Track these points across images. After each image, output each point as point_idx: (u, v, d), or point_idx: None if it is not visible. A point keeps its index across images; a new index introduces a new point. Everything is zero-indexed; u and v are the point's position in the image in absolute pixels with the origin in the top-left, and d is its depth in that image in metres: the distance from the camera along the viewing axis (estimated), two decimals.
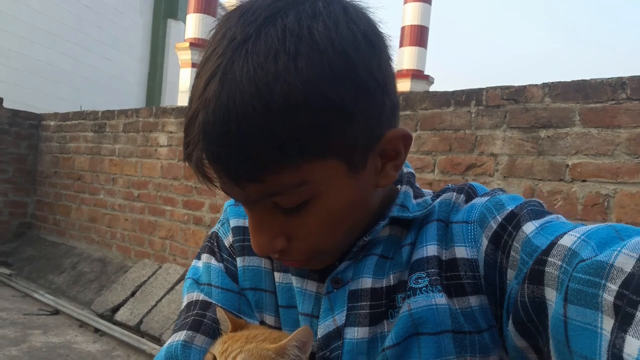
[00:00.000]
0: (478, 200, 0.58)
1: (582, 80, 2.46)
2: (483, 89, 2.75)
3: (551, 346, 0.42)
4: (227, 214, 0.69)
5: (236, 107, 0.43)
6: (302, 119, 0.44)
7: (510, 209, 0.53)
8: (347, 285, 0.58)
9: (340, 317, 0.57)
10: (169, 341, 0.60)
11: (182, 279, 3.81)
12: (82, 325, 3.73)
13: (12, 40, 7.36)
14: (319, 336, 0.57)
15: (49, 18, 7.94)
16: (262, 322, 0.63)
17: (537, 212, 0.51)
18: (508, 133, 2.66)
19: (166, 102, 9.79)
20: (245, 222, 0.66)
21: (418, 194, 0.63)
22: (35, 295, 4.30)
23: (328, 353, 0.57)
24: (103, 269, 4.57)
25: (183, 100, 7.01)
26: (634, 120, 2.29)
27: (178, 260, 4.09)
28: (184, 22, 8.67)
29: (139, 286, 3.93)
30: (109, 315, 3.75)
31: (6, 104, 5.50)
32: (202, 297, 0.63)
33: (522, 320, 0.46)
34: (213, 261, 0.65)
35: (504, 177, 2.66)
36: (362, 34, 0.48)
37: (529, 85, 2.61)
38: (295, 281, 0.61)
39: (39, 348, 3.23)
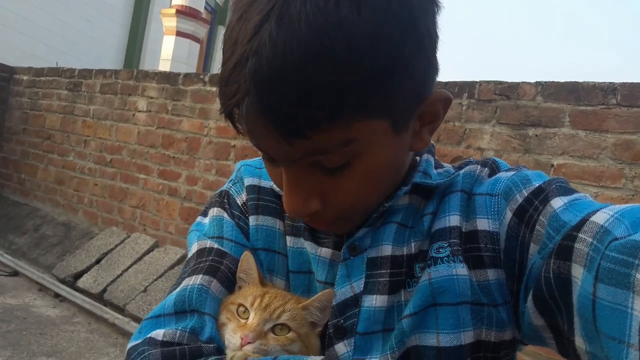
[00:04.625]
0: (503, 174, 0.57)
1: (575, 81, 2.46)
2: (476, 82, 2.74)
3: (577, 324, 0.41)
4: (240, 173, 0.66)
5: (293, 54, 0.40)
6: (363, 70, 0.41)
7: (537, 184, 0.52)
8: (366, 253, 0.56)
9: (358, 285, 0.55)
10: (180, 286, 0.55)
11: (151, 250, 3.71)
12: (42, 289, 3.60)
13: None
14: (334, 303, 0.55)
15: None
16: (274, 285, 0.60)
17: (565, 189, 0.50)
18: (497, 128, 2.65)
19: (145, 69, 9.52)
20: (260, 182, 0.64)
21: (438, 165, 0.62)
22: None
23: (342, 321, 0.54)
24: (67, 233, 4.42)
25: (164, 67, 6.81)
26: (622, 126, 2.32)
27: (148, 230, 3.98)
28: None
29: (105, 254, 3.81)
30: (71, 281, 3.62)
31: None
32: (216, 245, 0.59)
33: (544, 296, 0.45)
34: (225, 215, 0.62)
35: None
36: None
37: (522, 82, 2.61)
38: (309, 247, 0.59)
39: None
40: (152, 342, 0.48)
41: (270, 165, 0.53)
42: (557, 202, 0.48)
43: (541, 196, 0.50)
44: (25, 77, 5.28)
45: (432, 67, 0.49)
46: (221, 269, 0.56)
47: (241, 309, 0.51)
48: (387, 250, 0.55)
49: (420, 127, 0.53)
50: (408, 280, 0.54)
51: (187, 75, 3.97)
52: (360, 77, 0.41)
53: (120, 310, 3.24)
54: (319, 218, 0.52)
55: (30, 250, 4.28)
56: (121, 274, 3.53)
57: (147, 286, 3.33)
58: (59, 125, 4.87)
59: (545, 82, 2.54)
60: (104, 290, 3.43)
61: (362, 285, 0.55)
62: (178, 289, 0.54)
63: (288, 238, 0.61)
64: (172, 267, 3.47)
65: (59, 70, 4.96)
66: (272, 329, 0.49)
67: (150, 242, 3.79)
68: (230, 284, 0.57)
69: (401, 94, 0.45)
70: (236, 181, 0.66)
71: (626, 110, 2.30)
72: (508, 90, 2.63)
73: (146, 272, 3.48)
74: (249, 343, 0.47)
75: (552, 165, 2.47)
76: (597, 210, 0.43)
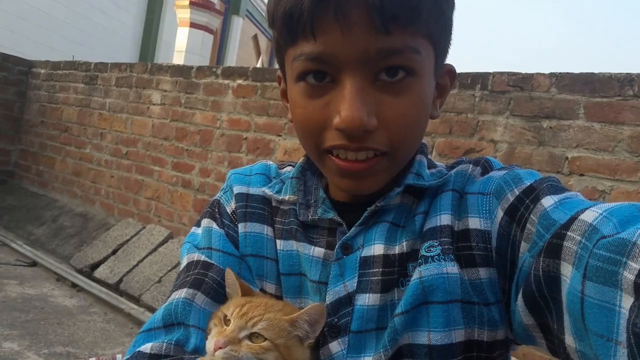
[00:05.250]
0: (495, 173, 0.57)
1: (590, 73, 2.42)
2: (490, 73, 2.70)
3: (567, 323, 0.41)
4: (230, 182, 0.68)
5: None
6: None
7: (529, 183, 0.52)
8: (358, 252, 0.57)
9: (351, 283, 0.56)
10: (168, 300, 0.57)
11: (165, 241, 3.76)
12: (60, 279, 3.67)
13: None
14: (328, 302, 0.56)
15: None
16: (262, 290, 0.61)
17: (557, 188, 0.50)
18: (510, 120, 2.62)
19: (160, 61, 9.59)
20: (249, 189, 0.66)
21: (431, 165, 0.63)
22: (13, 245, 4.22)
23: (336, 320, 0.55)
24: (84, 224, 4.50)
25: (178, 59, 6.84)
26: (638, 118, 2.27)
27: (163, 222, 4.03)
28: None
29: (121, 245, 3.87)
30: (88, 272, 3.69)
31: None
32: (203, 258, 0.61)
33: (533, 294, 0.45)
34: (214, 226, 0.64)
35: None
36: None
37: (536, 73, 2.57)
38: (302, 248, 0.60)
39: (14, 299, 3.17)
40: (140, 355, 0.51)
41: (314, 94, 0.53)
42: (548, 201, 0.48)
43: (532, 195, 0.50)
44: (42, 71, 5.35)
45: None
46: (206, 281, 0.58)
47: (227, 317, 0.52)
48: (379, 249, 0.56)
49: (435, 98, 0.58)
50: (401, 279, 0.55)
51: (199, 68, 3.98)
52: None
53: (136, 300, 3.30)
54: (371, 141, 0.52)
55: (48, 241, 4.37)
56: (137, 265, 3.59)
57: (161, 277, 3.38)
58: (76, 118, 4.94)
59: (560, 73, 2.49)
60: (120, 280, 3.49)
61: (355, 284, 0.56)
62: (166, 303, 0.57)
63: (278, 242, 0.62)
64: None
65: (75, 64, 5.02)
66: (250, 337, 0.50)
67: (164, 233, 3.84)
68: (216, 294, 0.58)
69: (444, 38, 0.53)
70: (226, 190, 0.67)
71: None
72: (522, 82, 2.60)
73: (161, 263, 3.53)
74: (220, 348, 0.48)
75: (567, 158, 2.44)
76: (587, 209, 0.43)
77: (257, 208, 0.64)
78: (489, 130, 2.68)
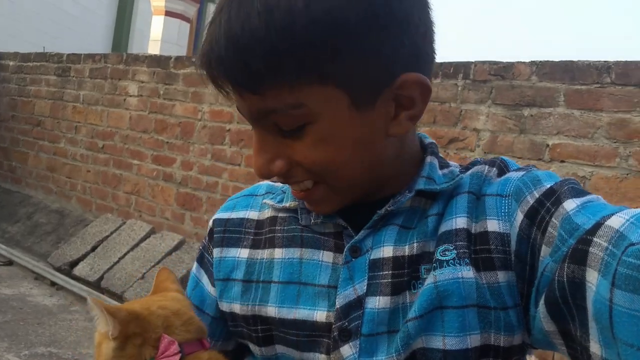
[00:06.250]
0: (513, 175, 0.56)
1: (570, 61, 2.45)
2: (471, 62, 2.72)
3: (592, 330, 0.41)
4: (219, 209, 0.71)
5: (241, 16, 0.45)
6: (302, 35, 0.44)
7: (549, 185, 0.51)
8: (367, 254, 0.56)
9: (361, 287, 0.55)
10: None
11: (147, 236, 3.70)
12: (38, 278, 3.59)
13: None
14: (338, 306, 0.56)
15: None
16: (232, 312, 0.63)
17: (578, 191, 0.49)
18: (492, 109, 2.65)
19: (134, 50, 9.38)
20: (231, 214, 0.68)
21: (443, 164, 0.61)
22: None
23: (347, 323, 0.55)
24: (61, 221, 4.40)
25: (154, 49, 6.71)
26: (616, 105, 2.32)
27: (144, 216, 3.96)
28: None
29: (101, 241, 3.80)
30: (67, 270, 3.61)
31: None
32: None
33: (556, 300, 0.44)
34: (193, 269, 0.70)
35: (485, 153, 2.66)
36: None
37: (517, 62, 2.60)
38: (308, 254, 0.59)
39: None
40: None
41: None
42: (570, 204, 0.47)
43: (553, 197, 0.49)
44: (11, 63, 5.19)
45: (404, 47, 0.49)
46: None
47: None
48: (388, 251, 0.55)
49: (399, 111, 0.52)
50: (413, 282, 0.54)
51: (178, 58, 3.91)
52: (298, 44, 0.44)
53: (119, 297, 3.25)
54: (291, 178, 0.54)
55: (24, 239, 4.27)
56: (118, 261, 3.53)
57: (144, 273, 3.34)
58: (49, 112, 4.81)
59: (540, 61, 2.53)
60: (101, 277, 3.43)
61: (364, 287, 0.55)
62: None
63: (278, 250, 0.61)
64: (169, 253, 3.47)
65: (46, 55, 4.88)
66: None
67: (146, 228, 3.78)
68: None
69: (350, 67, 0.47)
70: (214, 217, 0.71)
71: (620, 89, 2.30)
72: (503, 71, 2.62)
73: (143, 259, 3.48)
74: None
75: (548, 145, 2.48)
76: (612, 214, 0.42)
77: (235, 232, 0.66)
78: (471, 119, 2.71)
